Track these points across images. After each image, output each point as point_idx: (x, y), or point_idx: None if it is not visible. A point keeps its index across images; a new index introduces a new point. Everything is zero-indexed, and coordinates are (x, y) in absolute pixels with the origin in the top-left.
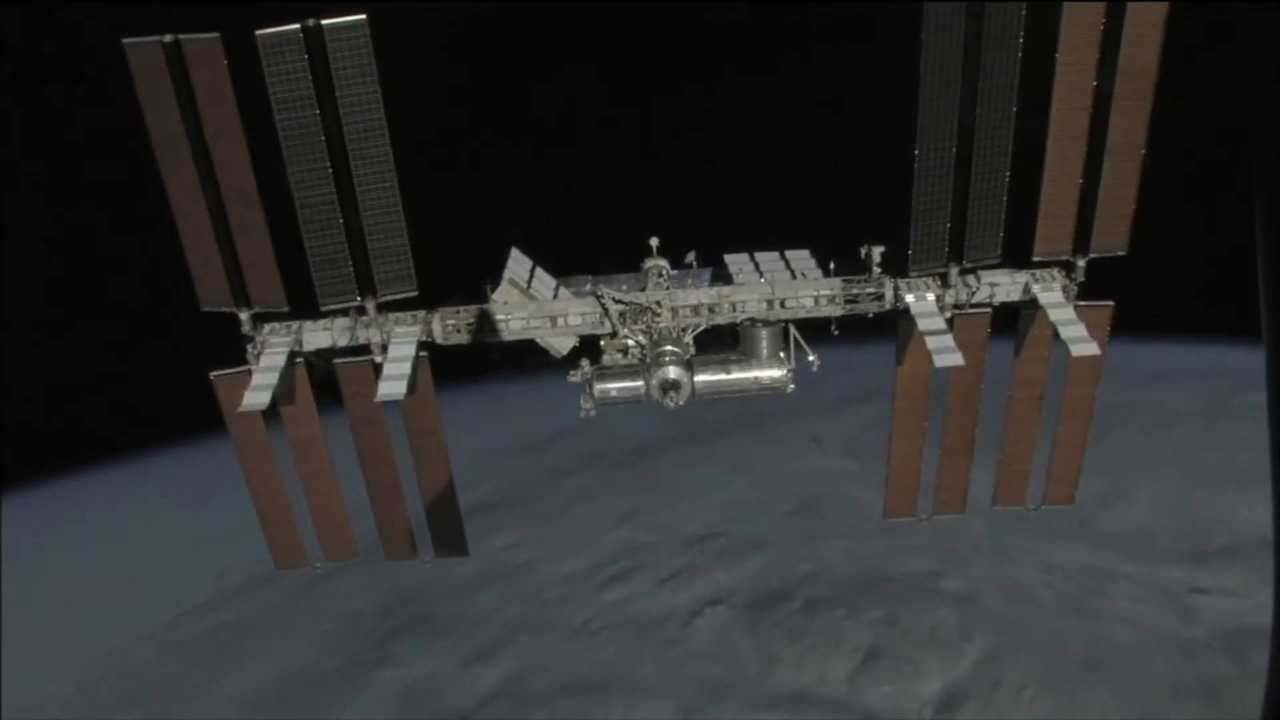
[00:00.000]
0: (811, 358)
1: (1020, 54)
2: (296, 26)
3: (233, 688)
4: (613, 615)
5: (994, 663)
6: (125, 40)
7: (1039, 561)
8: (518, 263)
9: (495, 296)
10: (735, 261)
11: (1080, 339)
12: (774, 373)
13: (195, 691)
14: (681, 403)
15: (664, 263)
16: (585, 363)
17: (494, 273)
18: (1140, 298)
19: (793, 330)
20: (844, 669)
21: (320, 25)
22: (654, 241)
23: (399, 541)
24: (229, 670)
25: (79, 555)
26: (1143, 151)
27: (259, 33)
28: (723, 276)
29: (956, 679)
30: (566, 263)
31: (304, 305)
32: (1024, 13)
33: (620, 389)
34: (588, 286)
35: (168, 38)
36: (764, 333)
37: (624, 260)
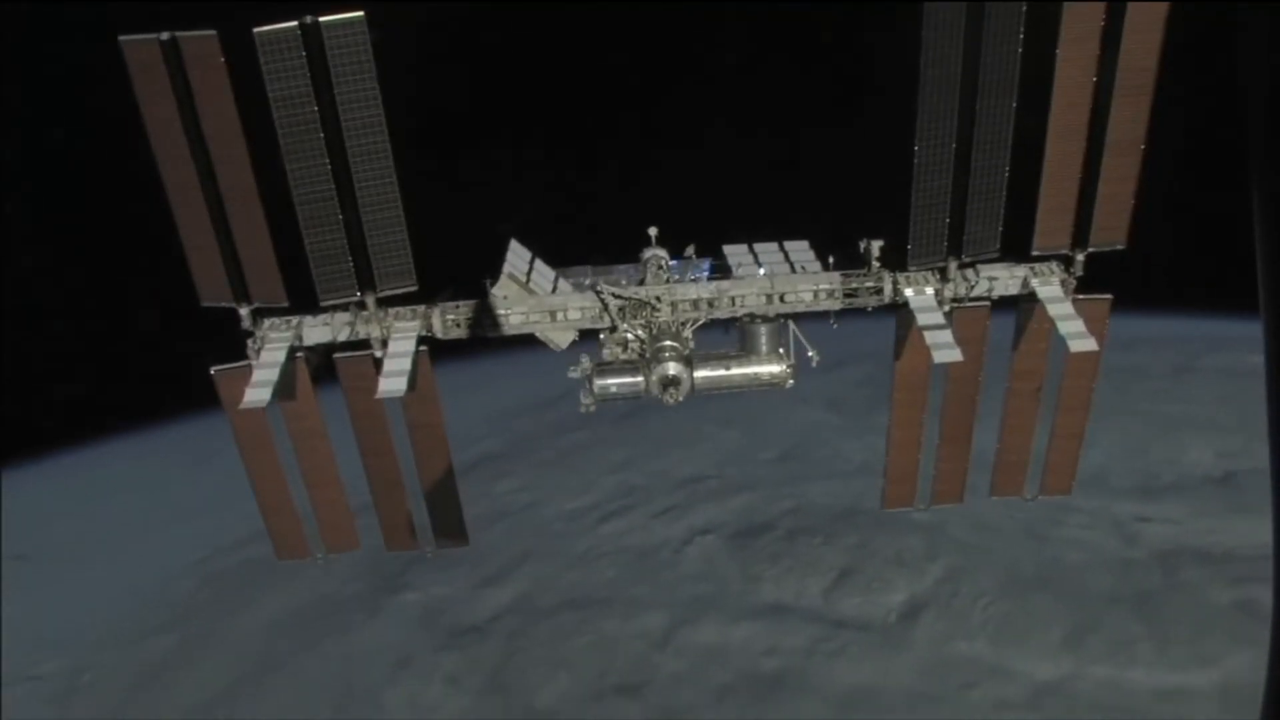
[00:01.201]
0: (811, 353)
1: (1020, 49)
2: (294, 24)
3: (265, 610)
4: (611, 545)
5: (954, 579)
6: (122, 38)
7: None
8: (517, 255)
9: (495, 291)
10: (734, 253)
11: (1078, 334)
12: (773, 369)
13: (231, 614)
14: (681, 399)
15: (663, 253)
16: (585, 359)
17: (493, 266)
18: (1116, 273)
19: (792, 327)
20: (819, 585)
21: (318, 22)
22: (653, 231)
23: (400, 532)
24: (260, 596)
25: (110, 511)
26: (1142, 147)
27: (256, 30)
28: (722, 268)
29: (919, 591)
30: (565, 252)
31: (304, 299)
32: (1024, 9)
33: (620, 385)
34: (587, 279)
35: (164, 35)
36: (763, 329)
37: (623, 249)
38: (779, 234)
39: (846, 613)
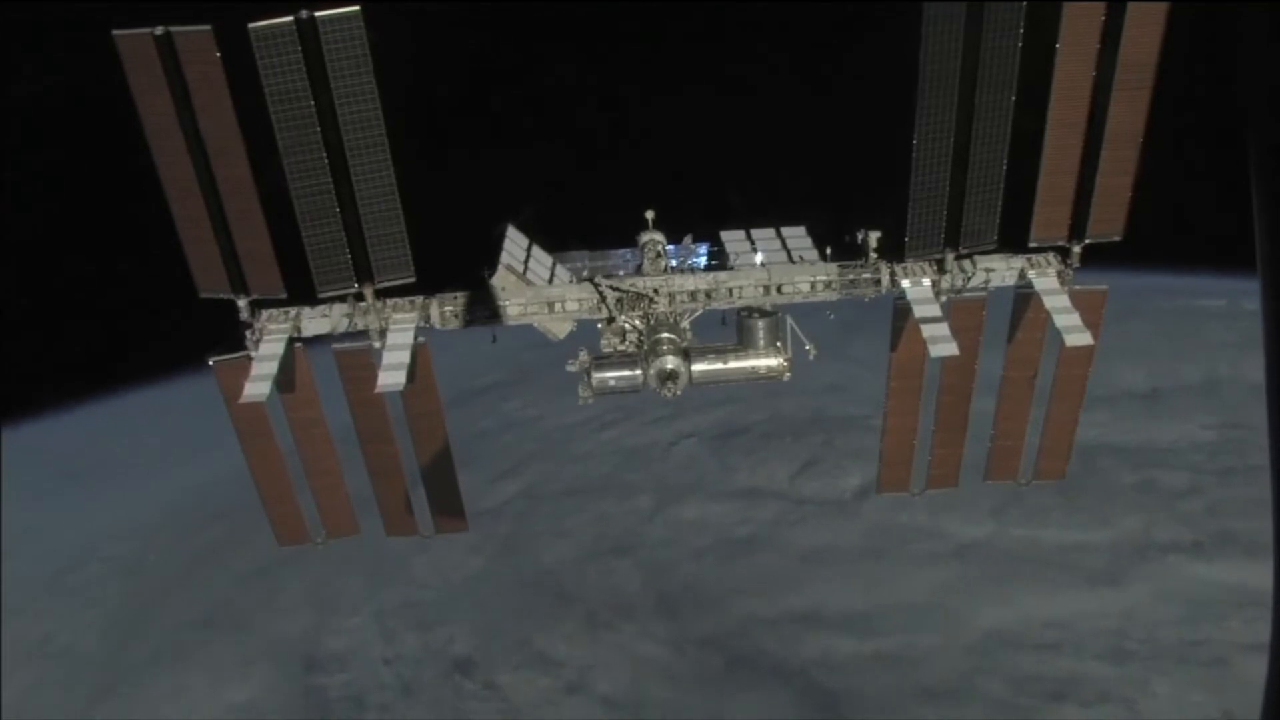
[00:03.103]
0: (808, 347)
1: (1020, 44)
2: (290, 19)
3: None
4: (608, 447)
5: None
6: (115, 32)
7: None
8: (514, 243)
9: (493, 282)
10: (731, 239)
11: (1074, 328)
12: (770, 362)
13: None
14: (679, 392)
15: (659, 236)
16: (583, 353)
17: (491, 256)
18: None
19: (790, 321)
20: (786, 473)
21: (314, 17)
22: (649, 215)
23: (399, 517)
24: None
25: (152, 439)
26: (1140, 141)
27: (252, 26)
28: (719, 254)
29: (872, 477)
30: (563, 237)
31: (302, 290)
32: (1024, 6)
33: (618, 378)
34: (583, 264)
35: (158, 30)
36: (761, 324)
37: (620, 225)
38: (777, 218)
39: (808, 493)
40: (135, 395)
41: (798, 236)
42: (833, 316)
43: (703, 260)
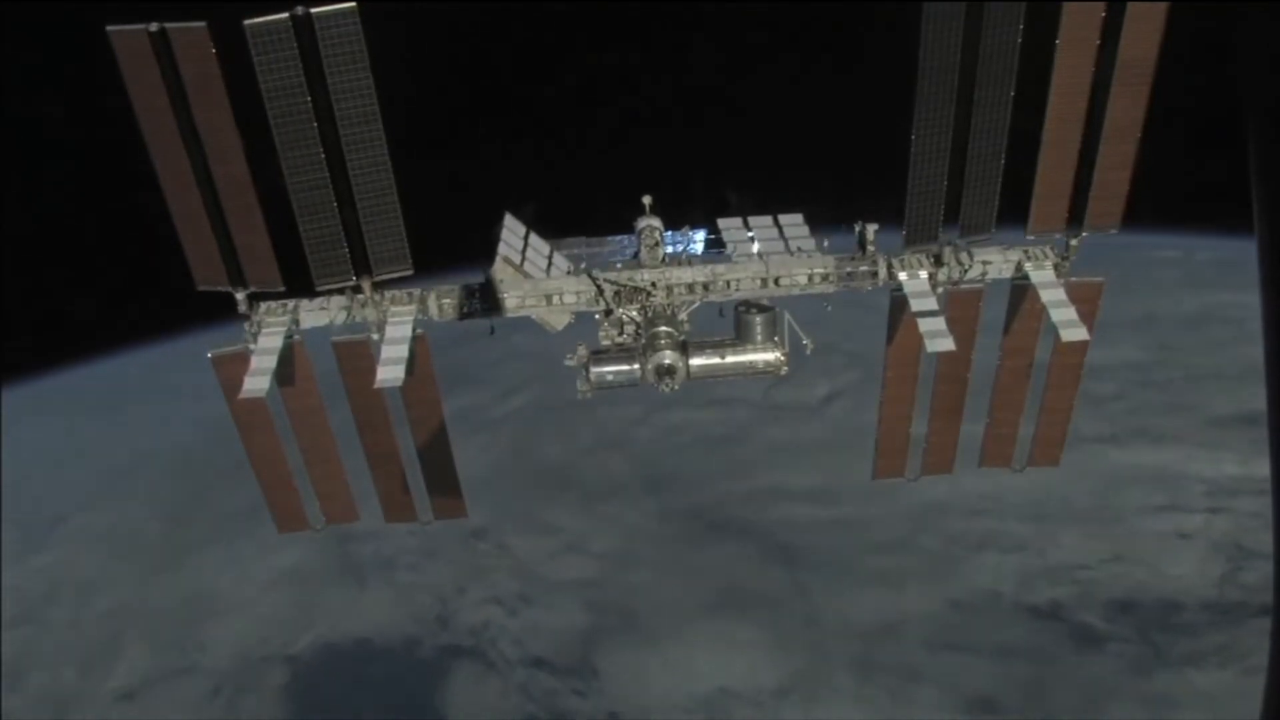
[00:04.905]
0: (805, 341)
1: (1020, 39)
2: (286, 16)
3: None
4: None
5: (864, 380)
6: (109, 28)
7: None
8: (511, 232)
9: (491, 273)
10: (729, 226)
11: (1070, 322)
12: (768, 356)
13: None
14: (677, 387)
15: (657, 223)
16: (581, 348)
17: (489, 250)
18: None
19: (788, 317)
20: (760, 388)
21: (310, 14)
22: (647, 200)
23: (398, 504)
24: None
25: (183, 381)
26: (1138, 135)
27: (247, 23)
28: (716, 242)
29: (837, 388)
30: (562, 223)
31: (301, 283)
32: (1024, 7)
33: (616, 373)
34: (581, 250)
35: (153, 26)
36: (758, 319)
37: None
38: (775, 208)
39: (781, 401)
40: (160, 347)
41: (795, 225)
42: (830, 309)
43: (700, 246)
